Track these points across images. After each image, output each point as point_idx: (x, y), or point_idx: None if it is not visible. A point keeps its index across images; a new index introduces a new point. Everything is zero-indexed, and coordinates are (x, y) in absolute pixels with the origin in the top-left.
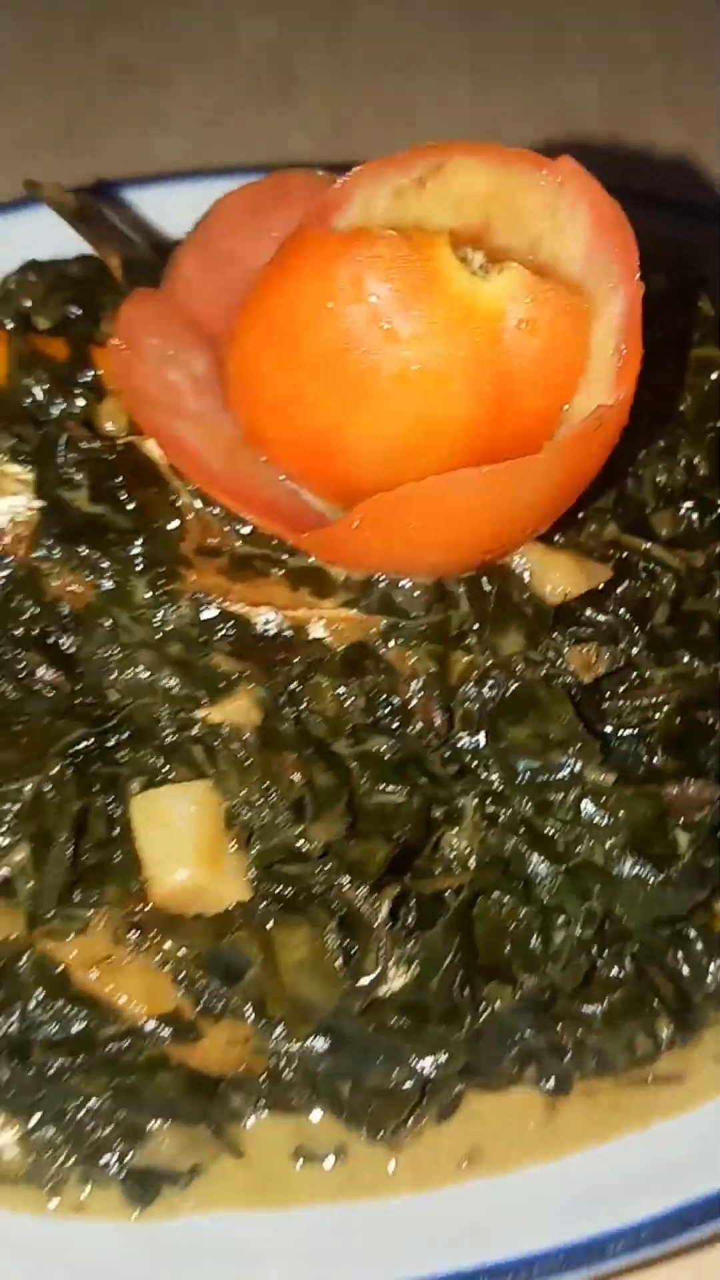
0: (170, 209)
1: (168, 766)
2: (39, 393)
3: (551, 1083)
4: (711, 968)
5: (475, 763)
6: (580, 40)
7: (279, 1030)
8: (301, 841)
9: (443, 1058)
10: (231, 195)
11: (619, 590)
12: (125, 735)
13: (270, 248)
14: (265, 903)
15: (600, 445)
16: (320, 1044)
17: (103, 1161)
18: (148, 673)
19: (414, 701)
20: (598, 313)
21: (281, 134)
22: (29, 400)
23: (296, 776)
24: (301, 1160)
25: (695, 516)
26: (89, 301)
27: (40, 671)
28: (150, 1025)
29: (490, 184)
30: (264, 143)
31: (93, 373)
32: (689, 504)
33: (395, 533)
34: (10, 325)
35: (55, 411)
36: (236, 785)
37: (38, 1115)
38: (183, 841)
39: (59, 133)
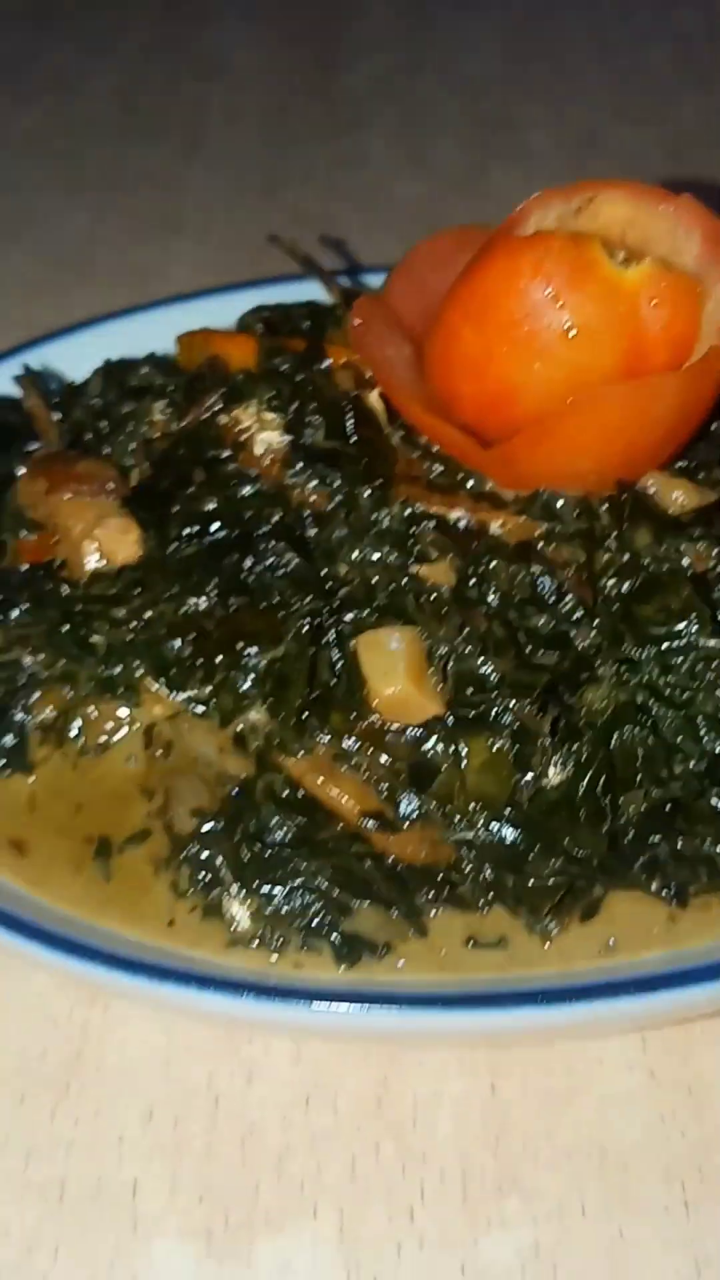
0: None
1: (381, 622)
2: (285, 368)
3: (672, 892)
4: None
5: (613, 637)
6: None
7: (461, 821)
8: (485, 669)
9: (589, 844)
10: (427, 240)
11: None
12: (349, 602)
13: (454, 275)
14: (454, 719)
15: (713, 376)
16: (494, 830)
17: (317, 927)
18: (372, 549)
19: (566, 585)
20: (708, 296)
21: None
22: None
23: (482, 625)
24: (472, 943)
25: None
26: (316, 322)
27: (285, 556)
28: (361, 821)
29: (628, 211)
30: None
31: (326, 361)
32: None
33: (559, 442)
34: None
35: (298, 378)
36: (436, 628)
37: (268, 891)
38: (396, 663)
39: (246, 268)
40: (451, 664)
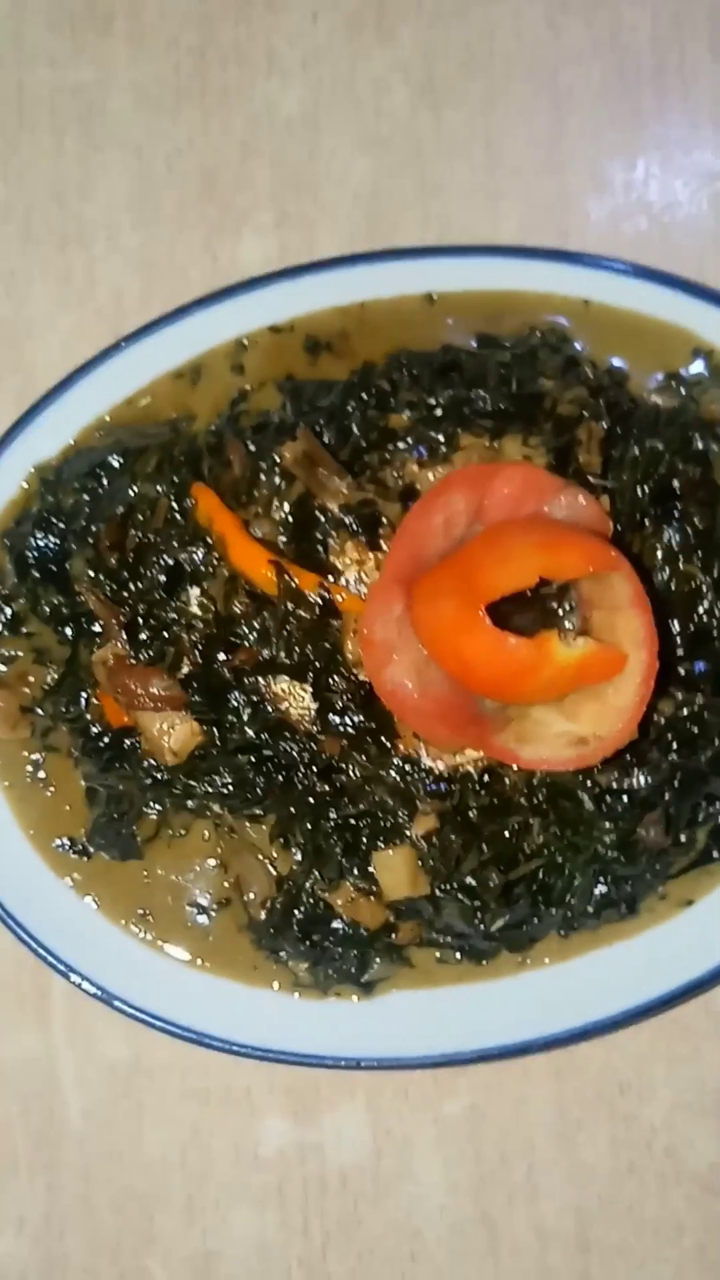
0: None
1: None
2: (306, 633)
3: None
4: None
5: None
6: None
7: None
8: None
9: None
10: (417, 504)
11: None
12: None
13: (442, 525)
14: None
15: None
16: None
17: (349, 979)
18: (378, 794)
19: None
20: (632, 653)
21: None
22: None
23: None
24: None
25: None
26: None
27: (321, 786)
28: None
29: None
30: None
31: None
32: None
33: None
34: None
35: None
36: (425, 851)
37: (321, 960)
38: (397, 871)
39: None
40: (429, 868)
